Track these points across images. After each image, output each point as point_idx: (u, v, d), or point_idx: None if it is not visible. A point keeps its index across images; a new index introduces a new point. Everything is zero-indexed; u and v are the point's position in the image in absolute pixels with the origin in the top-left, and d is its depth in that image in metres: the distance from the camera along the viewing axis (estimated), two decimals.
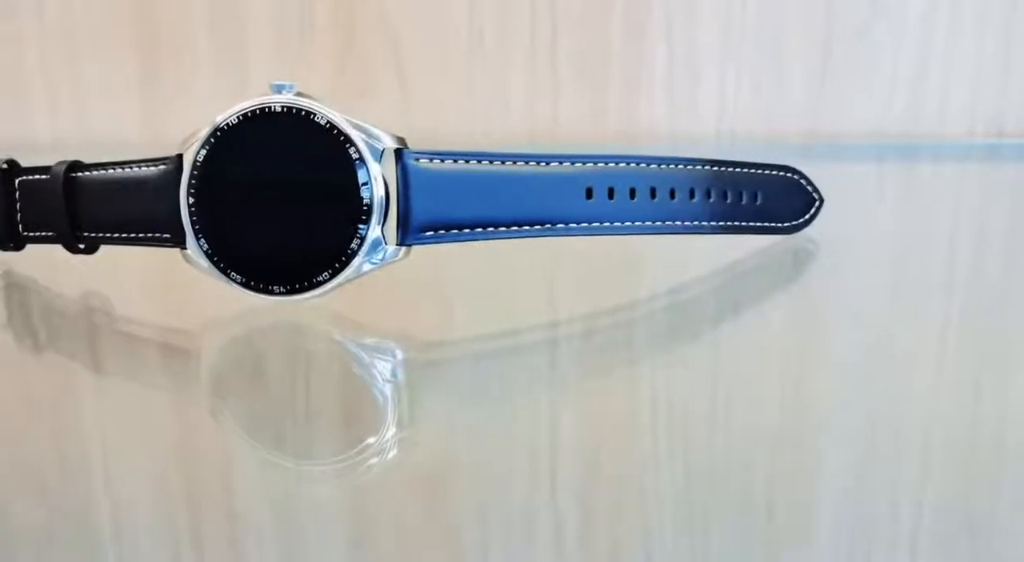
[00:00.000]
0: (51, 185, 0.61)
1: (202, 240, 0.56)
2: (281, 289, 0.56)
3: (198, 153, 0.56)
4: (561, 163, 0.59)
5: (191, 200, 0.56)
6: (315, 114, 0.55)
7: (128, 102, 1.10)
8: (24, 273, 0.68)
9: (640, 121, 1.08)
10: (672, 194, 0.63)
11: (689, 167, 0.64)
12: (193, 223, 0.56)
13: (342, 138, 0.55)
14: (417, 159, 0.56)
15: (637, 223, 0.62)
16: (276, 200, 0.55)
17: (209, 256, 0.56)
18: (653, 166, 0.62)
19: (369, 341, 0.60)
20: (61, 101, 1.11)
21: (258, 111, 0.55)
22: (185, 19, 1.08)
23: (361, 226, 0.55)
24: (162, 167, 0.58)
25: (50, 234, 0.62)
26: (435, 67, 1.08)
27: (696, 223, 0.64)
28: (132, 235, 0.60)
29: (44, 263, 0.66)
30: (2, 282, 0.67)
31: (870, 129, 1.11)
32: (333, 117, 0.55)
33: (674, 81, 1.08)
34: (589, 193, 0.60)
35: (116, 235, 0.60)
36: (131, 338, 0.61)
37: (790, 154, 0.75)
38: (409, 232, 0.56)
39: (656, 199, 0.62)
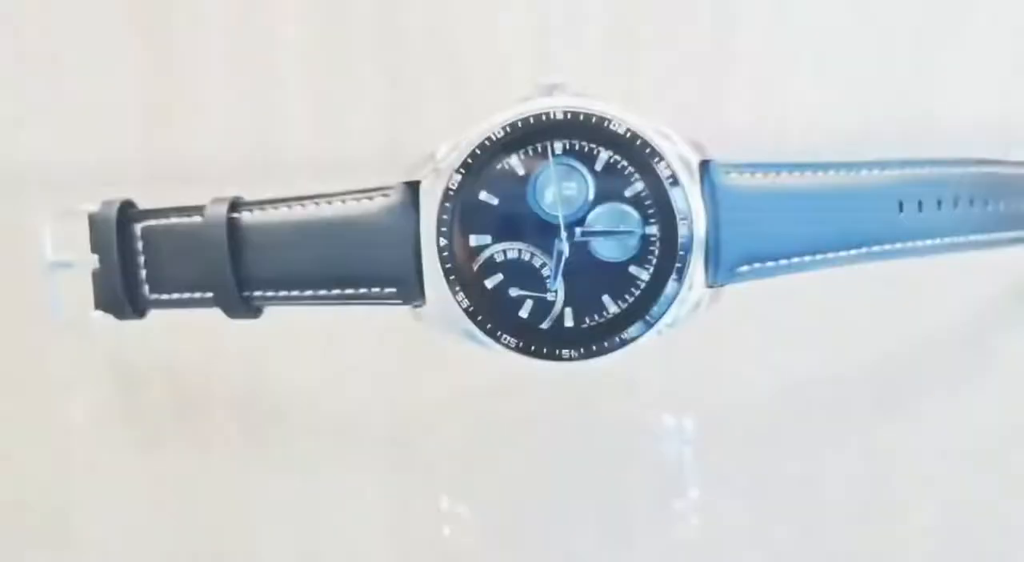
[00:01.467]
0: (207, 231, 0.45)
1: (460, 294, 0.42)
2: (572, 353, 0.42)
3: (450, 178, 0.41)
4: (871, 171, 0.48)
5: (442, 241, 0.42)
6: (610, 121, 0.41)
7: None
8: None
9: None
10: (971, 202, 0.52)
11: (986, 170, 0.53)
12: (447, 271, 0.42)
13: (648, 151, 0.41)
14: (728, 172, 0.43)
15: (959, 238, 0.50)
16: (557, 237, 0.42)
17: (471, 315, 0.42)
18: (958, 170, 0.51)
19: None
20: None
21: (531, 120, 0.41)
22: None
23: (679, 264, 0.42)
24: (381, 200, 0.43)
25: (204, 296, 0.47)
26: None
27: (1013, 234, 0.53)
28: (329, 293, 0.45)
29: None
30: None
31: None
32: (635, 124, 0.41)
33: None
34: (901, 206, 0.48)
35: (301, 294, 0.45)
36: (346, 422, 0.46)
37: None
38: (720, 268, 0.43)
39: (958, 208, 0.51)
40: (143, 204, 0.49)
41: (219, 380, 0.51)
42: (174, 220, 0.47)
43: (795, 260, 0.45)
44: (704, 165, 0.43)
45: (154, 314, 0.49)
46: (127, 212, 0.48)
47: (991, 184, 0.53)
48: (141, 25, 0.88)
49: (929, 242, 0.49)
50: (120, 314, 0.49)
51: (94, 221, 0.49)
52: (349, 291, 0.44)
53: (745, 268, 0.44)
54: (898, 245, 0.48)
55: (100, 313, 0.50)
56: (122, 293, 0.48)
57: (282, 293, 0.46)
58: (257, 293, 0.46)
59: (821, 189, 0.46)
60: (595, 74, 0.89)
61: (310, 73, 0.90)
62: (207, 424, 0.47)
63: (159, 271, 0.48)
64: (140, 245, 0.48)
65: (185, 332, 0.51)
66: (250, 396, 0.49)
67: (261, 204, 0.46)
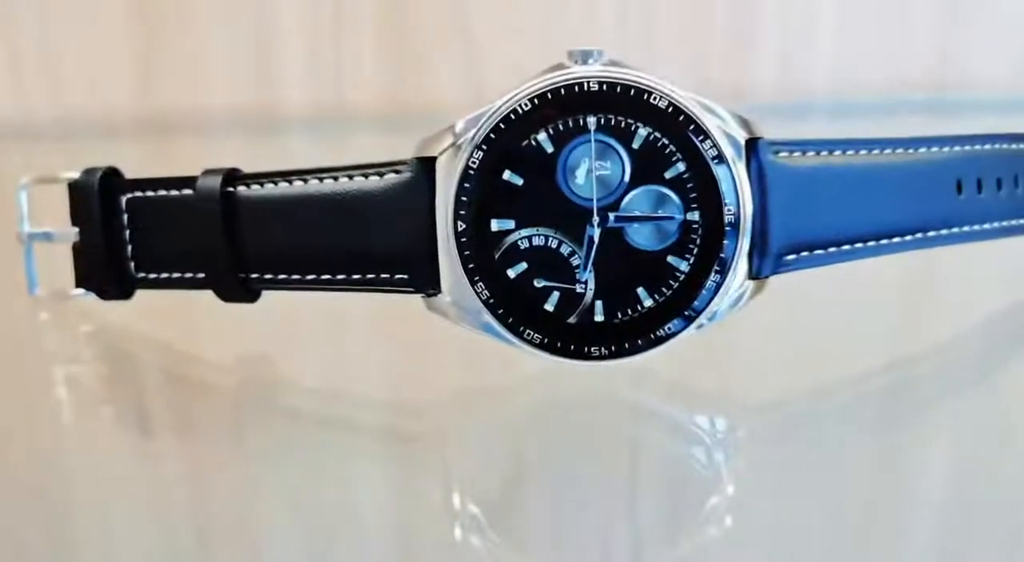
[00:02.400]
0: (200, 205, 0.41)
1: (479, 284, 0.38)
2: (602, 351, 0.38)
3: (471, 156, 0.37)
4: (930, 148, 0.43)
5: (460, 225, 0.37)
6: (651, 93, 0.37)
7: None
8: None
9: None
10: None
11: None
12: (465, 259, 0.37)
13: (692, 127, 0.37)
14: (777, 152, 0.39)
15: (1017, 222, 0.46)
16: (589, 223, 0.37)
17: (491, 307, 0.38)
18: (1015, 146, 0.47)
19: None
20: None
21: (563, 90, 0.37)
22: None
23: (724, 254, 0.38)
24: (392, 177, 0.39)
25: (195, 276, 0.42)
26: None
27: None
28: (333, 277, 0.41)
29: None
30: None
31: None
32: (677, 96, 0.37)
33: None
34: (959, 187, 0.44)
35: (303, 278, 0.41)
36: (351, 427, 0.42)
37: None
38: (767, 257, 0.39)
39: (1020, 188, 0.47)
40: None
41: (214, 370, 0.47)
42: (163, 192, 0.43)
43: (846, 247, 0.41)
44: (752, 143, 0.38)
45: (141, 294, 0.45)
46: (111, 181, 0.44)
47: None
48: None
49: (988, 226, 0.45)
50: (104, 293, 0.45)
51: (75, 190, 0.44)
52: (356, 276, 0.40)
53: (793, 257, 0.40)
54: (955, 230, 0.44)
55: (82, 291, 0.46)
56: (106, 270, 0.44)
57: (281, 276, 0.41)
58: (254, 275, 0.42)
59: (876, 168, 0.42)
60: (609, 27, 0.84)
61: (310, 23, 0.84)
62: (201, 417, 0.43)
63: (147, 248, 0.44)
64: (126, 218, 0.44)
65: (176, 315, 0.47)
66: (246, 387, 0.45)
67: (258, 178, 0.41)
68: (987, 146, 0.45)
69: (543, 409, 0.42)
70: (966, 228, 0.45)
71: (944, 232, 0.44)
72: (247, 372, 0.46)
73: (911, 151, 0.43)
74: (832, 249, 0.41)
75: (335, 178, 0.40)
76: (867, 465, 0.38)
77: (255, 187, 0.41)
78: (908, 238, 0.43)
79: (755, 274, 0.39)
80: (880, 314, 0.50)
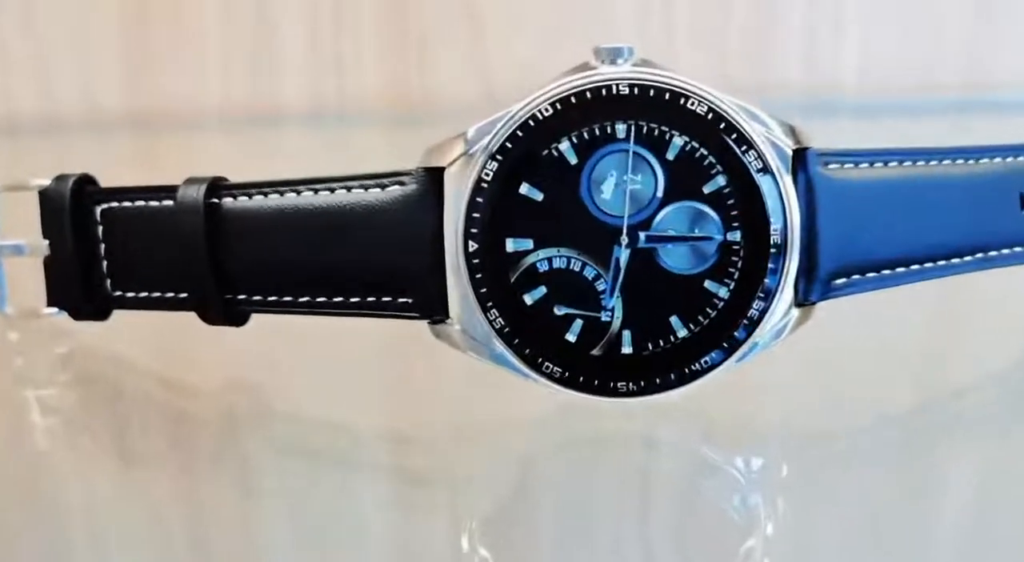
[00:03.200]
0: (181, 218, 0.37)
1: (492, 311, 0.33)
2: (629, 386, 0.34)
3: (483, 167, 0.33)
4: (992, 158, 0.39)
5: (471, 246, 0.33)
6: (688, 97, 0.33)
7: None
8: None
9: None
10: None
11: None
12: (476, 283, 0.33)
13: (734, 136, 0.33)
14: (827, 163, 0.35)
15: None
16: (616, 243, 0.33)
17: (505, 336, 0.33)
18: None
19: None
20: None
21: (588, 94, 0.33)
22: None
23: (768, 279, 0.33)
24: (395, 189, 0.35)
25: (177, 296, 0.38)
26: None
27: None
28: (329, 300, 0.37)
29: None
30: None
31: None
32: (717, 101, 0.33)
33: None
34: (1022, 201, 0.40)
35: (294, 300, 0.37)
36: (347, 461, 0.38)
37: None
38: (815, 282, 0.35)
39: None
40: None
41: (198, 397, 0.42)
42: (141, 203, 0.39)
43: (901, 269, 0.37)
44: (800, 154, 0.34)
45: (119, 313, 0.41)
46: (84, 190, 0.40)
47: None
48: None
49: None
50: (76, 313, 0.41)
51: (45, 199, 0.40)
52: (354, 299, 0.36)
53: (843, 280, 0.36)
54: (1017, 249, 0.40)
55: (54, 310, 0.41)
56: (79, 288, 0.40)
57: (271, 298, 0.37)
58: (241, 297, 0.38)
59: (934, 181, 0.38)
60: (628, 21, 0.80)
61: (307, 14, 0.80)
62: (183, 447, 0.39)
63: (124, 264, 0.40)
64: (100, 231, 0.40)
65: (157, 335, 0.43)
66: (233, 416, 0.41)
67: (246, 188, 0.37)
68: None
69: (556, 442, 0.38)
70: None
71: (1006, 251, 0.40)
72: (234, 399, 0.41)
73: (971, 161, 0.38)
74: (886, 271, 0.37)
75: (331, 189, 0.36)
76: (891, 504, 0.34)
77: (242, 198, 0.37)
78: (968, 258, 0.39)
79: (802, 300, 0.35)
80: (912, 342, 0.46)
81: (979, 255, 0.39)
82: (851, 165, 0.36)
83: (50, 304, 0.42)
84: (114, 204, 0.40)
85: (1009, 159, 0.39)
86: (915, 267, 0.37)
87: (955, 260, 0.38)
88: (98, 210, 0.40)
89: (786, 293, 0.34)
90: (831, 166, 0.35)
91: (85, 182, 0.40)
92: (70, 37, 0.82)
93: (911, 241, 0.37)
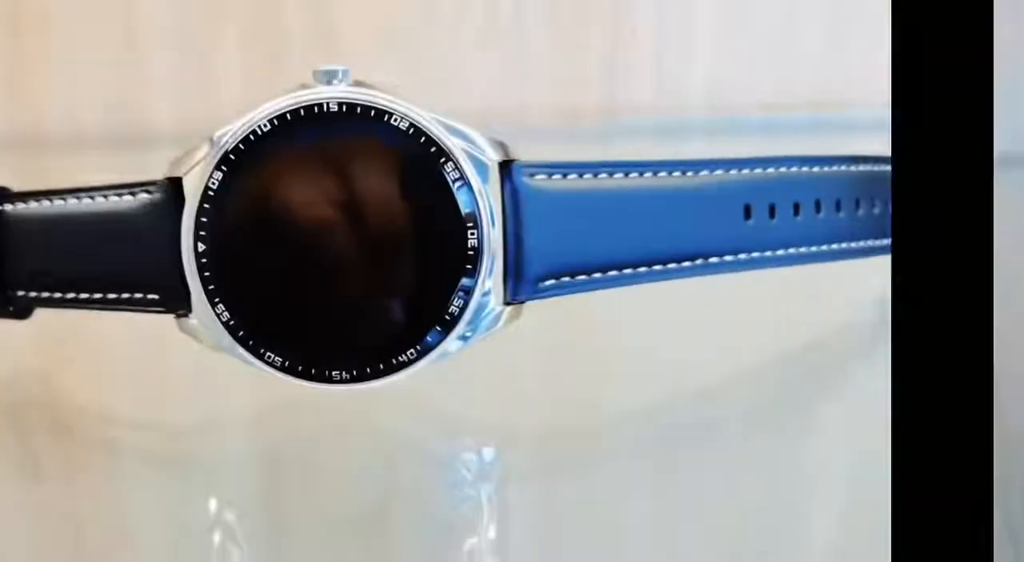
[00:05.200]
0: None
1: (219, 305, 0.37)
2: (343, 375, 0.37)
3: (210, 176, 0.37)
4: (713, 171, 0.42)
5: (200, 246, 0.37)
6: (391, 114, 0.36)
7: None
8: None
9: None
10: (838, 206, 0.47)
11: (853, 168, 0.47)
12: (205, 280, 0.37)
13: (434, 149, 0.36)
14: (532, 175, 0.39)
15: (813, 248, 0.45)
16: (331, 245, 0.37)
17: (231, 328, 0.37)
18: (816, 169, 0.46)
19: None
20: None
21: (302, 111, 0.37)
22: None
23: (466, 279, 0.37)
24: (144, 197, 0.39)
25: None
26: None
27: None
28: (92, 296, 0.40)
29: None
30: None
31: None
32: (418, 117, 0.36)
33: None
34: (748, 212, 0.43)
35: (64, 296, 0.41)
36: (107, 444, 0.41)
37: None
38: (522, 283, 0.39)
39: (822, 214, 0.46)
40: None
41: None
42: None
43: (613, 273, 0.40)
44: (506, 166, 0.38)
45: None
46: None
47: (867, 184, 0.48)
48: None
49: (782, 252, 0.44)
50: None
51: None
52: (112, 296, 0.40)
53: (550, 283, 0.39)
54: (742, 256, 0.43)
55: None
56: None
57: (45, 294, 0.41)
58: (20, 293, 0.41)
59: (650, 192, 0.41)
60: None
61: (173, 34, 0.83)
62: None
63: None
64: None
65: None
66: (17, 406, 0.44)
67: (24, 196, 0.41)
68: (780, 169, 0.44)
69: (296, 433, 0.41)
70: (756, 255, 0.44)
71: (729, 258, 0.43)
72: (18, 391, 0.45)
73: (691, 174, 0.42)
74: (597, 274, 0.40)
75: (92, 197, 0.40)
76: (640, 501, 0.38)
77: (20, 205, 0.41)
78: (687, 264, 0.42)
79: (510, 299, 0.38)
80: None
81: (699, 261, 0.42)
82: (559, 176, 0.39)
83: None
84: None
85: (732, 172, 0.43)
86: (628, 271, 0.41)
87: (672, 265, 0.41)
88: None
89: (493, 292, 0.38)
90: (537, 177, 0.39)
91: None
92: None
93: (624, 246, 0.40)
